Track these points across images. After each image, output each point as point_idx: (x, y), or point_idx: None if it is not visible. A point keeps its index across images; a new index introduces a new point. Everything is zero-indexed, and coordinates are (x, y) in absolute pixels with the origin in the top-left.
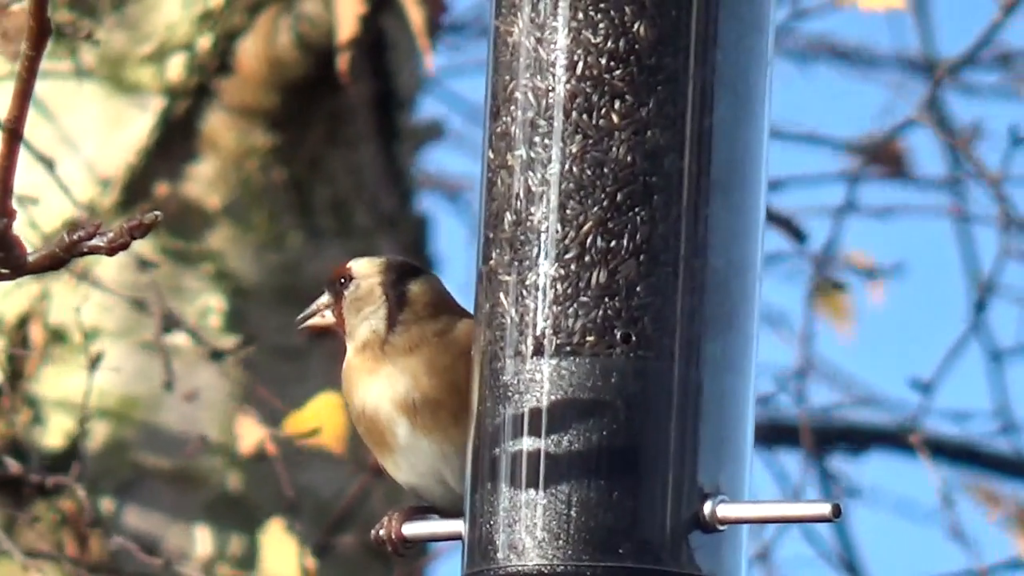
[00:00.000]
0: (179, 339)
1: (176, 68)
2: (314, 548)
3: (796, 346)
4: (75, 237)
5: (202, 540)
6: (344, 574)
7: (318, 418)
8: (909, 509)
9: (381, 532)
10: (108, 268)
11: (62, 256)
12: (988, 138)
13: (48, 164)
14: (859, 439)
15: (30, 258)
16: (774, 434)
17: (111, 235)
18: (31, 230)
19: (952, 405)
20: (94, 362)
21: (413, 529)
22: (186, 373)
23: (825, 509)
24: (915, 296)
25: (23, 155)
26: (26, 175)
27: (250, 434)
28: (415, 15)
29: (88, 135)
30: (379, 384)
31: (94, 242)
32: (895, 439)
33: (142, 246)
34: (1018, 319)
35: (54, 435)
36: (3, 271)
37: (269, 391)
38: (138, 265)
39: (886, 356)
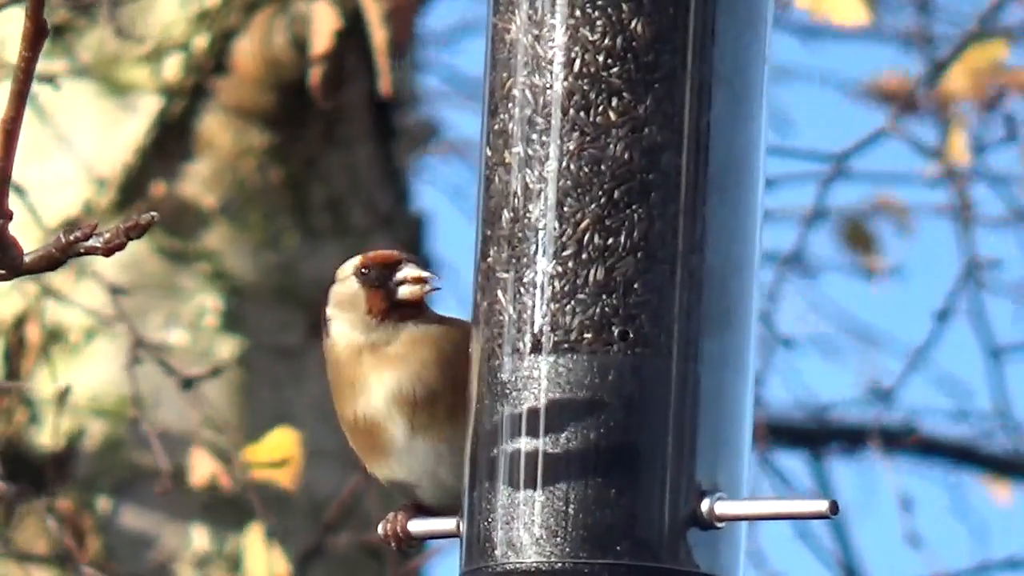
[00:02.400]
0: (178, 337)
1: (172, 68)
2: (307, 548)
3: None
4: (71, 238)
5: (198, 539)
6: (339, 574)
7: (274, 452)
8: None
9: (387, 529)
10: (105, 268)
11: (58, 257)
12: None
13: (18, 191)
14: (853, 439)
15: (27, 258)
16: (772, 434)
17: (107, 236)
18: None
19: (949, 403)
20: (62, 396)
21: (418, 526)
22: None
23: (822, 506)
24: (913, 295)
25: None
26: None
27: (202, 466)
28: (378, 35)
29: (84, 135)
30: (377, 382)
31: (91, 243)
32: (891, 440)
33: (138, 247)
34: (1013, 314)
35: (51, 434)
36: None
37: (267, 391)
38: (109, 291)
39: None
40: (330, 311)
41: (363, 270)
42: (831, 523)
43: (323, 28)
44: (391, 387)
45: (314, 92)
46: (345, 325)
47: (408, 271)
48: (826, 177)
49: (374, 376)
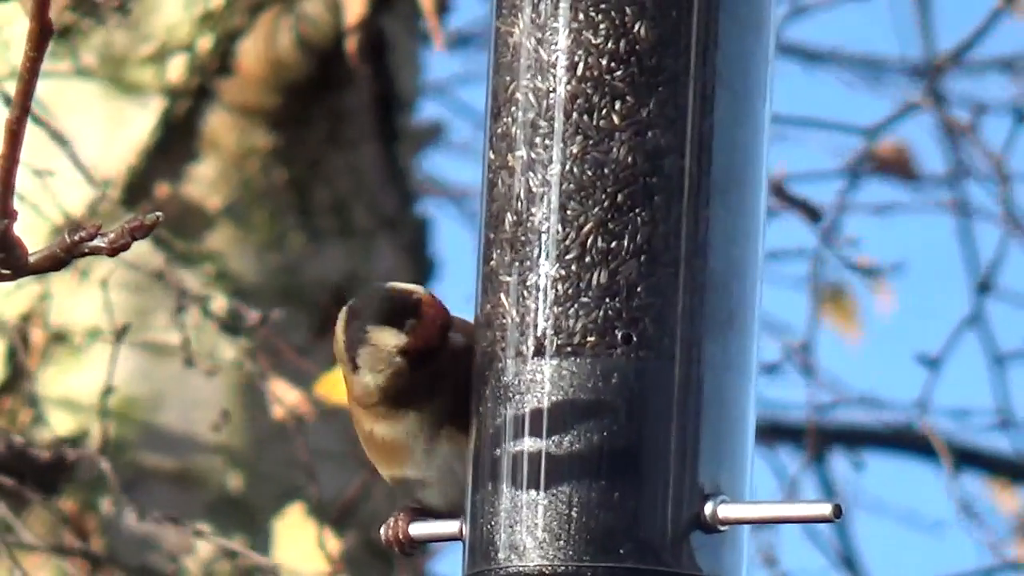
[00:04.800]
0: (174, 338)
1: (177, 69)
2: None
3: (800, 337)
4: (76, 238)
5: (203, 540)
6: (345, 572)
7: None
8: (911, 510)
9: (388, 533)
10: (108, 268)
11: (63, 257)
12: (990, 122)
13: (63, 141)
14: (860, 439)
15: (31, 259)
16: (775, 433)
17: (112, 236)
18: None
19: (953, 405)
20: (120, 334)
21: (419, 529)
22: (183, 373)
23: (826, 509)
24: (916, 295)
25: (39, 139)
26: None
27: (286, 397)
28: None
29: (88, 136)
30: (403, 416)
31: (95, 243)
32: (898, 440)
33: (141, 247)
34: (1019, 321)
35: (55, 435)
36: (4, 272)
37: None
38: (155, 243)
39: (888, 355)
40: (361, 363)
41: (412, 351)
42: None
43: None
44: (417, 422)
45: (351, 62)
46: (383, 380)
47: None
48: (855, 159)
49: (402, 410)
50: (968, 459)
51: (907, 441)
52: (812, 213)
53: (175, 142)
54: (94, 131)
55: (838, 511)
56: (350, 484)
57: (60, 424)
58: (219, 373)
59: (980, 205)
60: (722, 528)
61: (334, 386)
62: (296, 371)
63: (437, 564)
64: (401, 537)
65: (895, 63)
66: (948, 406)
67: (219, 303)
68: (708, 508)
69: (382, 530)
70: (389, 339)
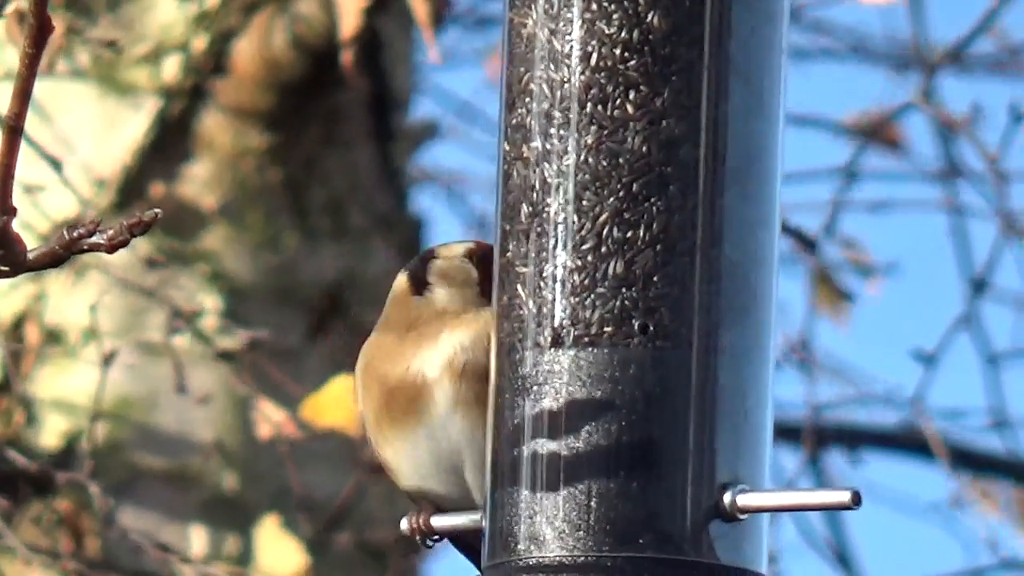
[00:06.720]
0: (177, 338)
1: (171, 68)
2: (309, 546)
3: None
4: (75, 235)
5: (197, 540)
6: (339, 573)
7: (335, 401)
8: (907, 507)
9: (411, 524)
10: (105, 267)
11: (62, 254)
12: (986, 121)
13: (54, 164)
14: (857, 438)
15: (30, 255)
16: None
17: (111, 233)
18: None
19: (947, 405)
20: (107, 359)
21: (441, 521)
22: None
23: (845, 497)
24: (911, 291)
25: (29, 152)
26: (31, 171)
27: (268, 418)
28: (419, 5)
29: (83, 136)
30: (432, 347)
31: (94, 239)
32: (894, 438)
33: (141, 245)
34: (1013, 322)
35: (50, 435)
36: (2, 268)
37: (265, 392)
38: (146, 264)
39: (882, 353)
40: (434, 280)
41: (476, 256)
42: (831, 521)
43: (350, 8)
44: (445, 355)
45: (346, 72)
46: (457, 296)
47: None
48: (850, 163)
49: (432, 340)
50: (962, 458)
51: (904, 440)
52: (807, 243)
53: (170, 142)
54: (89, 131)
55: (857, 498)
56: (344, 485)
57: (54, 425)
58: (211, 402)
59: (974, 199)
60: (741, 517)
61: (320, 408)
62: (285, 391)
63: (433, 564)
64: (424, 528)
65: (889, 60)
66: (942, 405)
67: (213, 304)
68: (727, 497)
69: (403, 522)
70: (457, 248)
